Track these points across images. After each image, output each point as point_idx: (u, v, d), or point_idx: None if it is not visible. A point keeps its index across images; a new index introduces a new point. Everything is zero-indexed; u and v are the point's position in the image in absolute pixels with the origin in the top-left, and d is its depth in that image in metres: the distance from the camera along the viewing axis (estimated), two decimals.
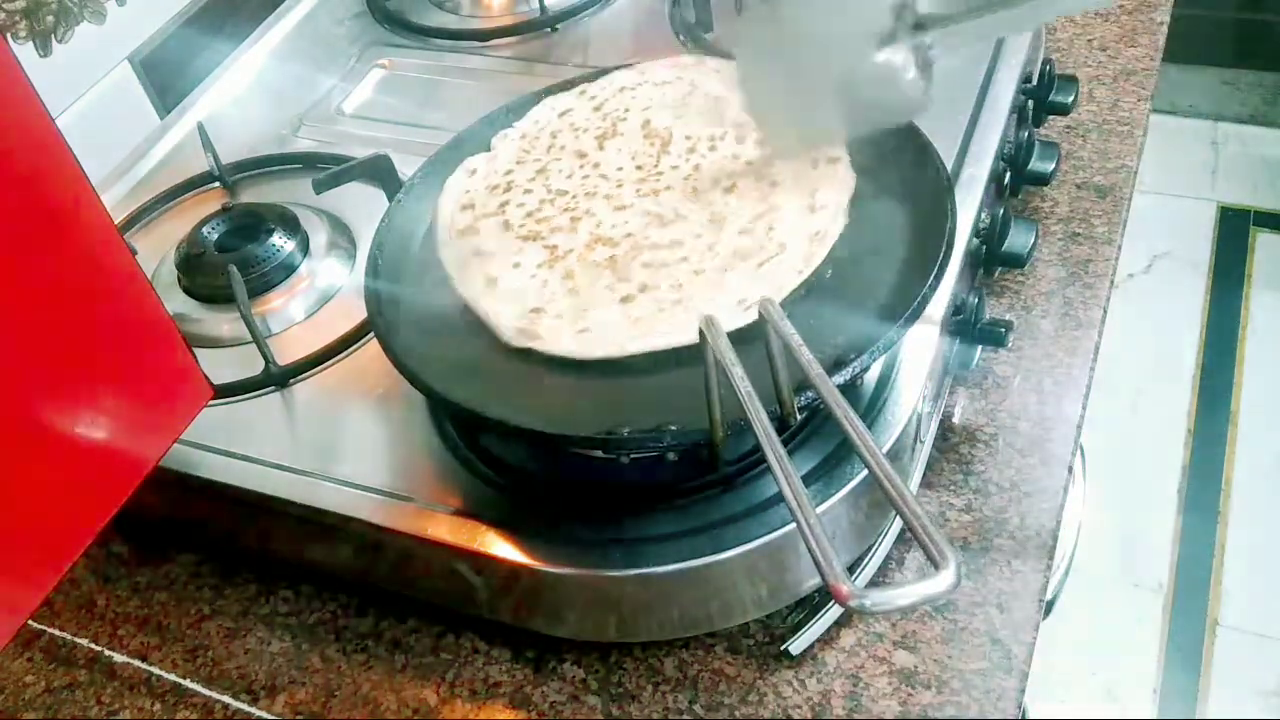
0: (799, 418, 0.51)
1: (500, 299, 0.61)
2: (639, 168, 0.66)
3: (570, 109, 0.73)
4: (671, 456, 0.57)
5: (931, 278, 0.56)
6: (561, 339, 0.58)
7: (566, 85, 0.75)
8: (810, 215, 0.61)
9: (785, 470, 0.37)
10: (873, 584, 0.63)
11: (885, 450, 0.57)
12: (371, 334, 0.64)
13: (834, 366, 0.52)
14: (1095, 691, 1.52)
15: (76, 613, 0.68)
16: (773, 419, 0.50)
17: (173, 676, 0.64)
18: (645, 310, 0.58)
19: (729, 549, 0.54)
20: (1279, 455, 1.73)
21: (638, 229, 0.62)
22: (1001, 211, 0.72)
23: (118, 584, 0.69)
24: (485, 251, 0.64)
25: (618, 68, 0.75)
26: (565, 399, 0.56)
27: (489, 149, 0.72)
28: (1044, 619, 0.61)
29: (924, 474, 0.65)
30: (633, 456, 0.57)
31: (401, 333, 0.60)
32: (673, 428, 0.52)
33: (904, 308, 0.55)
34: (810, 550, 0.34)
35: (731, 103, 0.68)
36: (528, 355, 0.58)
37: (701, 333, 0.47)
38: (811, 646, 0.60)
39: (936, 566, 0.35)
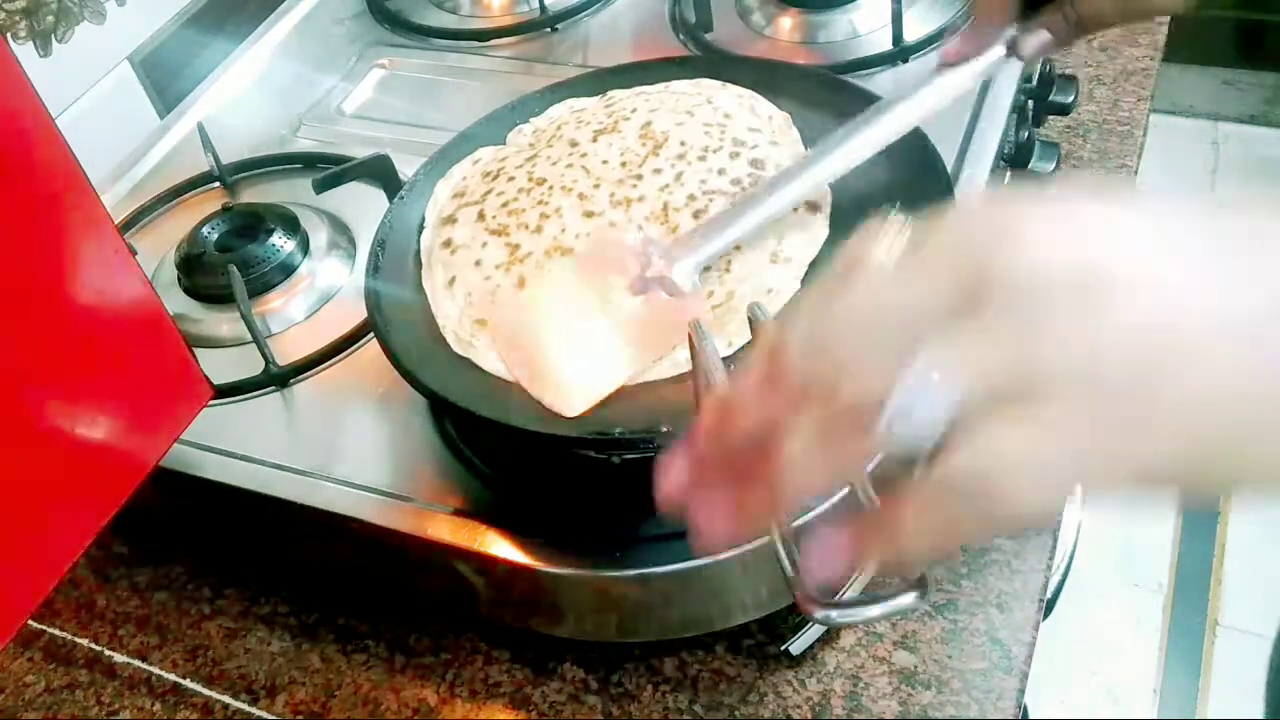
0: None
1: (455, 300, 0.61)
2: (624, 164, 0.65)
3: (584, 107, 0.72)
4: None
5: None
6: (490, 357, 0.58)
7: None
8: (770, 266, 0.59)
9: None
10: (871, 586, 0.63)
11: None
12: (371, 334, 0.64)
13: None
14: (1095, 691, 1.52)
15: (76, 613, 0.68)
16: None
17: (173, 676, 0.64)
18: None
19: (729, 549, 0.54)
20: None
21: None
22: None
23: (118, 584, 0.69)
24: (455, 243, 0.64)
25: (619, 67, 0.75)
26: None
27: (499, 143, 0.72)
28: (1044, 619, 0.61)
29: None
30: (626, 457, 0.57)
31: (401, 332, 0.60)
32: (664, 429, 0.52)
33: None
34: (779, 561, 0.35)
35: (738, 120, 0.67)
36: None
37: (690, 337, 0.47)
38: (811, 646, 0.60)
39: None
